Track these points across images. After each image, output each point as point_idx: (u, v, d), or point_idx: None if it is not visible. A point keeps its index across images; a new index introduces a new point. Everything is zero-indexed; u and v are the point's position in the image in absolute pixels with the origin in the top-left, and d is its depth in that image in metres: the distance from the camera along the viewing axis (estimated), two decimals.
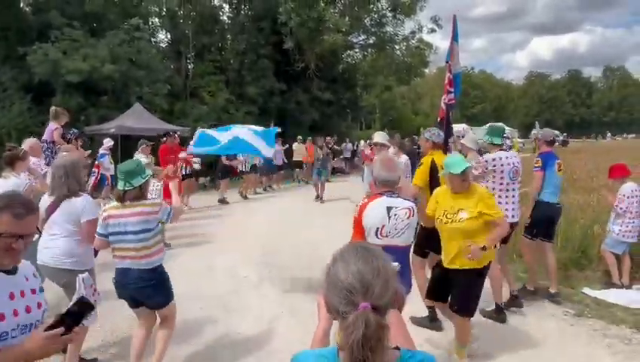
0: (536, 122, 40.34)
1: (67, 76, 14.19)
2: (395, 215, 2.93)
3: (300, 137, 16.86)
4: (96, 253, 3.59)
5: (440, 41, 23.53)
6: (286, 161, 16.63)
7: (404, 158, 8.27)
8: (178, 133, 11.38)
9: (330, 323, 1.43)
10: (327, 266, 1.29)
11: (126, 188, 3.04)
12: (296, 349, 1.36)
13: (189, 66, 20.96)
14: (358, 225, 3.02)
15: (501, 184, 4.51)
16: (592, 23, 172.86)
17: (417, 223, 3.27)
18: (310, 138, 16.62)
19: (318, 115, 21.90)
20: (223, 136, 5.34)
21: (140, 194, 3.11)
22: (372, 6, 22.06)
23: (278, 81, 20.71)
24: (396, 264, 2.83)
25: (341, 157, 19.86)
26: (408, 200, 3.12)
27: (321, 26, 19.46)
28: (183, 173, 9.94)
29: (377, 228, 2.93)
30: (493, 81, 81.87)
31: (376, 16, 22.47)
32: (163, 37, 21.91)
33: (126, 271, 3.08)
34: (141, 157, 7.34)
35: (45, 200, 3.41)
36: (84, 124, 15.21)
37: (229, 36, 22.12)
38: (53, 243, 3.31)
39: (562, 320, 4.45)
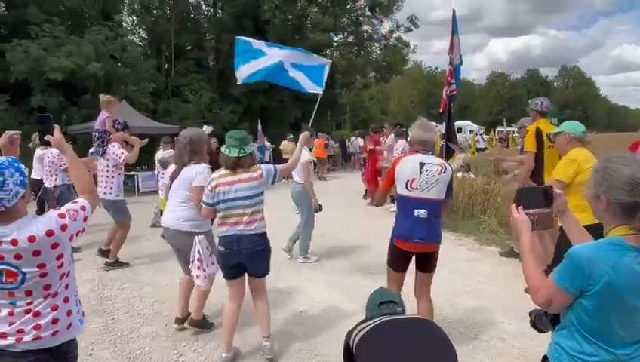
0: (504, 120, 41.98)
1: (50, 74, 13.71)
2: (427, 170, 3.15)
3: (290, 135, 16.92)
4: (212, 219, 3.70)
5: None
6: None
7: (403, 143, 8.83)
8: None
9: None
10: (595, 175, 1.59)
11: (241, 155, 3.12)
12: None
13: (170, 65, 20.61)
14: (390, 176, 3.30)
15: None
16: (545, 26, 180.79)
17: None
18: (322, 134, 16.66)
19: (300, 113, 21.98)
20: (270, 53, 4.74)
21: (252, 161, 3.22)
22: (349, 5, 22.39)
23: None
24: (423, 211, 3.07)
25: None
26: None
27: (303, 23, 19.58)
28: None
29: (408, 181, 3.15)
30: None
31: (353, 15, 22.81)
32: (142, 35, 21.44)
33: (238, 237, 3.15)
34: (166, 153, 7.38)
35: (171, 168, 3.80)
36: (66, 123, 14.74)
37: (208, 35, 21.90)
38: (174, 208, 3.61)
39: None
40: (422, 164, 3.16)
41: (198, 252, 3.48)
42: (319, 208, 5.92)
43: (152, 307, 4.50)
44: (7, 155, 1.94)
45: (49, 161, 6.13)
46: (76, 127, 14.27)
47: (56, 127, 2.06)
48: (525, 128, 6.32)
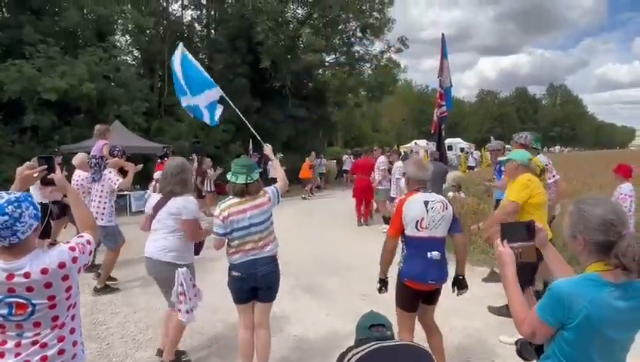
0: (492, 137, 42.62)
1: (43, 94, 13.74)
2: (432, 208, 3.19)
3: (281, 154, 17.04)
4: (197, 251, 3.74)
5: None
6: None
7: (400, 163, 9.00)
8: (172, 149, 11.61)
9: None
10: (570, 216, 1.72)
11: (248, 182, 3.18)
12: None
13: (163, 84, 20.74)
14: (397, 219, 3.25)
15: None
16: (533, 46, 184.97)
17: None
18: (313, 154, 17.59)
19: (293, 132, 22.18)
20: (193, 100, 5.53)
21: (260, 186, 3.28)
22: (341, 26, 22.78)
23: (254, 99, 20.86)
24: (436, 253, 3.16)
25: (318, 172, 20.18)
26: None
27: (295, 44, 19.88)
28: (206, 189, 11.26)
29: (417, 221, 3.17)
30: None
31: (345, 36, 23.19)
32: (135, 54, 21.62)
33: (253, 261, 3.22)
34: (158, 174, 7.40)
35: (154, 198, 3.64)
36: (59, 143, 14.76)
37: (201, 55, 22.13)
38: (157, 238, 3.54)
39: None
40: (426, 203, 3.20)
41: (181, 285, 3.42)
42: None
43: (146, 332, 4.51)
44: (24, 185, 2.05)
45: (76, 183, 6.21)
46: (69, 147, 14.25)
47: (58, 167, 2.19)
48: (498, 150, 6.89)
